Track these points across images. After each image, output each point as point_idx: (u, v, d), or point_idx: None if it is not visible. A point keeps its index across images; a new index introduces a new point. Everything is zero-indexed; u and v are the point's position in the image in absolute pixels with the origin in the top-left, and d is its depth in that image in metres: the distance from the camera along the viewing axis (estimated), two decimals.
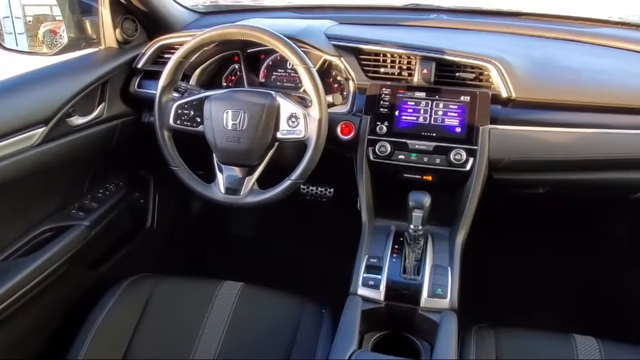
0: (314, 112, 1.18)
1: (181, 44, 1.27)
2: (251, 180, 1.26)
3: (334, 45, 1.38)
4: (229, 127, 1.21)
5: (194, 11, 1.74)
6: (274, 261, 1.96)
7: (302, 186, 1.84)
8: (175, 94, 1.32)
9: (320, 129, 1.18)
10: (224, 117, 1.22)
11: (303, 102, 1.28)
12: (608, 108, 1.23)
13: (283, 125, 1.22)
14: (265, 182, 1.28)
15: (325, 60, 1.40)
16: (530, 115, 1.25)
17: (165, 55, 1.49)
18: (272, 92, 1.24)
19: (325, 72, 1.45)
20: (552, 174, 1.31)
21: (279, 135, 1.23)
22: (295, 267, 1.90)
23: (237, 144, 1.22)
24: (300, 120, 1.20)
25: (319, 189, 1.93)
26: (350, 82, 1.38)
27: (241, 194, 1.26)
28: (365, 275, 1.18)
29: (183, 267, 1.99)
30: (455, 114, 1.26)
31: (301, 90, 1.35)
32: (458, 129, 1.25)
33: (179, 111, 1.27)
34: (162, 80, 1.25)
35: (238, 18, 1.60)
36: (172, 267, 1.91)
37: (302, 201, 1.96)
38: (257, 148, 1.23)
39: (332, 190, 1.92)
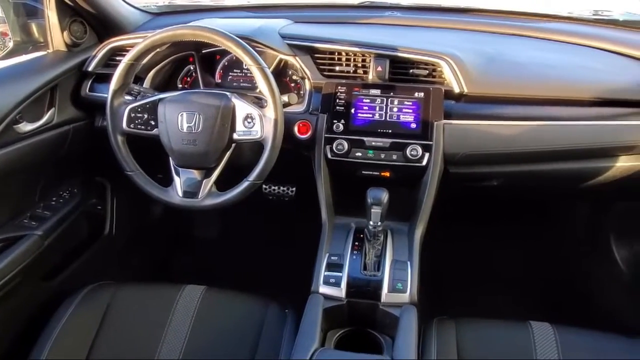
0: (270, 112, 1.18)
1: (132, 45, 1.24)
2: (209, 183, 1.24)
3: (289, 45, 1.38)
4: (184, 130, 1.20)
5: (147, 12, 1.71)
6: (238, 262, 1.95)
7: (264, 186, 1.84)
8: (128, 97, 1.29)
9: (276, 129, 1.18)
10: (179, 119, 1.20)
11: (259, 102, 1.28)
12: (556, 101, 1.27)
13: (239, 126, 1.22)
14: (224, 184, 1.27)
15: (280, 60, 1.39)
16: (482, 109, 1.28)
17: (117, 58, 1.45)
18: (228, 93, 1.23)
19: (282, 72, 1.44)
20: (505, 166, 1.34)
21: (235, 136, 1.22)
22: (260, 267, 1.89)
23: (193, 146, 1.21)
24: (256, 120, 1.20)
25: (281, 188, 1.92)
26: (306, 81, 1.38)
27: (199, 196, 1.24)
28: (326, 273, 1.19)
29: (145, 273, 1.95)
30: (410, 110, 1.28)
31: (257, 91, 1.35)
32: (413, 125, 1.27)
33: (132, 115, 1.24)
34: (113, 84, 1.23)
35: (192, 18, 1.57)
36: (134, 273, 1.88)
37: (265, 201, 1.95)
38: (213, 150, 1.21)
39: (294, 189, 1.92)
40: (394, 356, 1.00)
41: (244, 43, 1.18)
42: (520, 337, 1.17)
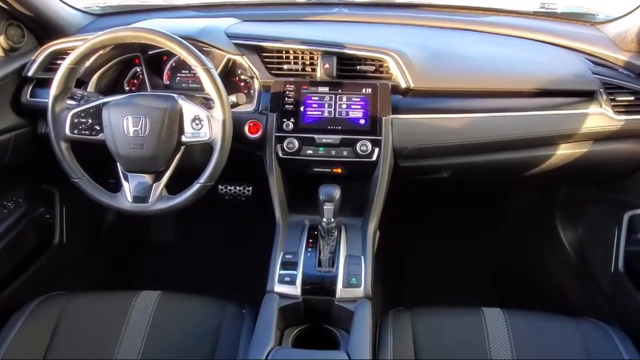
0: (217, 113, 1.17)
1: (74, 49, 1.20)
2: (159, 187, 1.23)
3: (236, 44, 1.37)
4: (131, 134, 1.18)
5: (89, 13, 1.66)
6: (197, 265, 1.93)
7: (220, 187, 1.82)
8: (70, 102, 1.26)
9: (225, 130, 1.17)
10: (124, 123, 1.17)
11: (208, 103, 1.26)
12: (499, 93, 1.31)
13: (187, 128, 1.20)
14: (176, 187, 1.25)
15: (229, 60, 1.38)
16: (429, 103, 1.31)
17: (58, 62, 1.41)
18: (174, 95, 1.22)
19: (230, 71, 1.43)
20: (453, 158, 1.37)
21: (184, 138, 1.21)
22: (218, 268, 1.88)
23: (141, 150, 1.18)
24: (204, 122, 1.19)
25: (237, 188, 1.91)
26: (255, 80, 1.38)
27: (150, 201, 1.22)
28: (280, 272, 1.19)
29: (100, 281, 1.90)
30: (359, 107, 1.29)
31: (205, 92, 1.33)
32: (362, 121, 1.29)
33: (75, 120, 1.21)
34: (54, 89, 1.19)
35: (137, 19, 1.54)
36: (90, 282, 1.83)
37: (222, 202, 1.93)
38: (162, 153, 1.20)
39: (250, 188, 1.91)
40: (348, 350, 1.01)
41: (188, 44, 1.16)
42: (472, 323, 1.21)
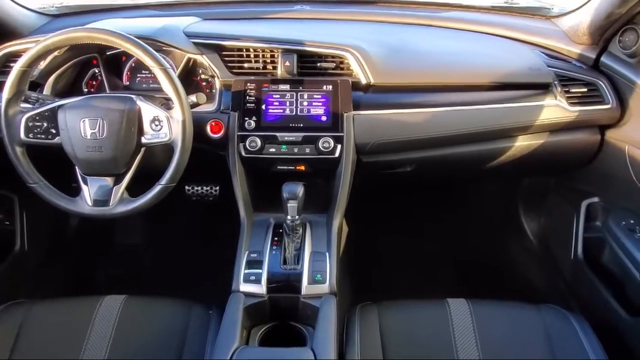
0: (177, 113, 1.16)
1: (27, 50, 1.17)
2: (120, 189, 1.21)
3: (195, 43, 1.36)
4: (88, 137, 1.15)
5: (44, 14, 1.62)
6: (164, 267, 1.91)
7: (186, 187, 1.80)
8: (25, 105, 1.22)
9: (185, 131, 1.16)
10: (81, 126, 1.15)
11: (168, 104, 1.25)
12: (457, 87, 1.34)
13: (147, 129, 1.19)
14: (139, 189, 1.23)
15: (189, 59, 1.37)
16: (389, 99, 1.32)
17: (11, 64, 1.36)
18: (133, 96, 1.20)
19: (191, 71, 1.42)
20: (415, 152, 1.39)
21: (143, 140, 1.19)
22: (186, 269, 1.86)
23: (99, 153, 1.16)
24: (164, 123, 1.17)
25: (204, 188, 1.89)
26: (216, 79, 1.37)
27: (110, 204, 1.20)
28: (246, 271, 1.19)
29: (64, 287, 1.86)
30: (320, 104, 1.30)
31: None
32: (324, 118, 1.29)
33: (30, 124, 1.18)
34: (6, 92, 1.16)
35: (95, 19, 1.52)
36: (51, 289, 1.79)
37: (189, 202, 1.92)
38: (121, 155, 1.18)
39: (217, 188, 1.90)
40: (313, 346, 1.02)
41: (143, 44, 1.14)
42: (438, 315, 1.23)
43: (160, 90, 1.43)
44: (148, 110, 1.18)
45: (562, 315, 1.23)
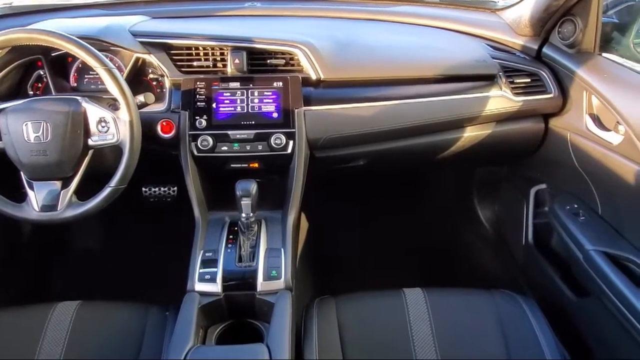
0: (123, 114, 1.14)
1: None
2: (68, 193, 1.18)
3: (142, 43, 1.34)
4: (32, 140, 1.12)
5: None
6: (122, 270, 1.87)
7: (143, 189, 1.77)
8: None
9: (133, 131, 1.14)
10: (24, 130, 1.12)
11: (115, 104, 1.23)
12: (405, 80, 1.36)
13: (94, 131, 1.16)
14: (90, 192, 1.21)
15: (138, 59, 1.35)
16: (340, 93, 1.34)
17: None
18: (78, 98, 1.17)
19: (140, 70, 1.40)
20: (367, 146, 1.41)
21: (90, 142, 1.17)
22: (145, 272, 1.83)
23: (44, 157, 1.13)
24: (111, 124, 1.15)
25: (162, 189, 1.86)
26: (165, 78, 1.35)
27: (59, 208, 1.17)
28: (201, 270, 1.18)
29: (17, 295, 1.81)
30: (271, 100, 1.30)
31: None
32: (275, 114, 1.29)
33: None
34: None
35: (39, 19, 1.48)
36: (3, 297, 1.73)
37: (146, 204, 1.89)
38: (67, 158, 1.15)
39: (175, 189, 1.87)
40: (268, 342, 1.02)
41: (86, 44, 1.12)
42: (394, 305, 1.25)
43: (107, 91, 1.42)
44: (94, 112, 1.16)
45: (513, 299, 1.27)
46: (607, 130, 1.25)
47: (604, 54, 1.37)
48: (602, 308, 1.19)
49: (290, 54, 1.34)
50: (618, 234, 1.25)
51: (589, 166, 1.32)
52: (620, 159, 1.19)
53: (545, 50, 1.44)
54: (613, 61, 1.33)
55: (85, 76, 1.45)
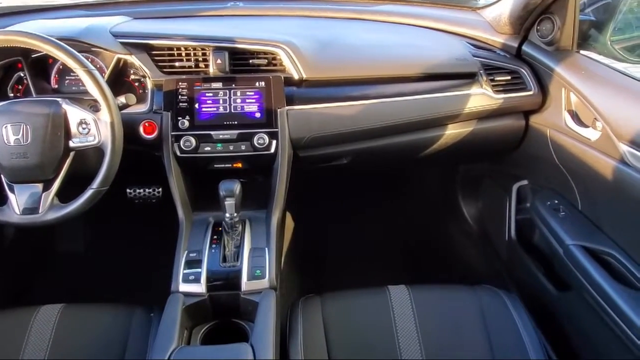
0: (104, 116, 1.14)
1: None
2: (50, 195, 1.17)
3: (123, 43, 1.33)
4: (12, 143, 1.11)
5: None
6: (107, 273, 1.86)
7: (128, 190, 1.76)
8: None
9: (114, 133, 1.14)
10: (3, 132, 1.11)
11: (96, 106, 1.22)
12: (387, 79, 1.37)
13: (75, 132, 1.16)
14: (72, 194, 1.20)
15: (119, 59, 1.34)
16: (323, 93, 1.34)
17: None
18: (59, 100, 1.17)
19: (122, 71, 1.39)
20: (350, 144, 1.41)
21: (71, 144, 1.16)
22: (130, 274, 1.82)
23: (25, 159, 1.13)
24: (92, 125, 1.15)
25: (147, 190, 1.85)
26: (147, 79, 1.35)
27: (40, 211, 1.17)
28: (185, 271, 1.18)
29: (4, 301, 1.79)
30: (253, 100, 1.30)
31: None
32: (258, 114, 1.30)
33: None
34: None
35: (19, 21, 1.47)
36: None
37: (132, 205, 1.88)
38: (48, 161, 1.14)
39: (160, 190, 1.87)
40: (252, 341, 1.02)
41: (65, 45, 1.12)
42: (379, 303, 1.26)
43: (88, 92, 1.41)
44: (74, 114, 1.15)
45: (496, 294, 1.29)
46: (586, 126, 1.27)
47: (582, 51, 1.39)
48: (583, 302, 1.21)
49: (273, 54, 1.34)
50: (597, 229, 1.27)
51: (568, 162, 1.34)
52: (598, 155, 1.21)
53: (524, 48, 1.46)
54: (590, 58, 1.36)
55: (67, 78, 1.44)
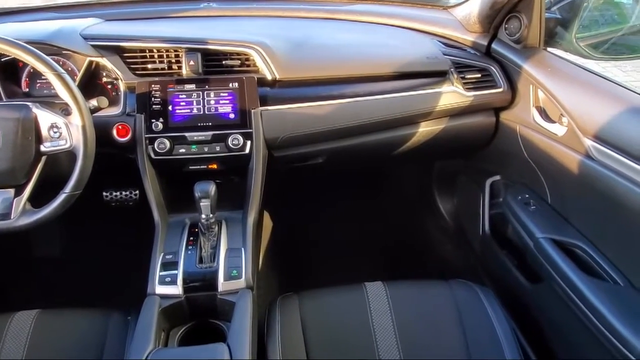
0: (76, 119, 1.13)
1: None
2: (21, 201, 1.16)
3: (94, 46, 1.33)
4: None
5: None
6: (83, 277, 1.85)
7: (104, 193, 1.75)
8: None
9: (86, 136, 1.13)
10: None
11: (67, 109, 1.21)
12: (360, 78, 1.38)
13: (46, 137, 1.15)
14: (45, 199, 1.19)
15: (91, 62, 1.34)
16: (296, 93, 1.35)
17: None
18: (28, 104, 1.15)
19: (95, 74, 1.38)
20: (324, 143, 1.42)
21: (43, 148, 1.15)
22: (105, 278, 1.81)
23: None
24: (63, 129, 1.14)
25: (124, 193, 1.84)
26: (120, 82, 1.34)
27: (12, 217, 1.15)
28: (161, 273, 1.18)
29: None
30: (227, 101, 1.30)
31: None
32: (232, 115, 1.30)
33: None
34: None
35: None
36: None
37: (108, 208, 1.87)
38: (19, 166, 1.13)
39: (137, 192, 1.86)
40: (229, 341, 1.03)
41: (33, 49, 1.10)
42: (356, 300, 1.28)
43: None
44: (45, 118, 1.14)
45: (470, 289, 1.31)
46: (553, 122, 1.30)
47: (549, 49, 1.42)
48: (553, 293, 1.24)
49: (246, 55, 1.35)
50: (566, 222, 1.31)
51: (537, 157, 1.37)
52: (565, 150, 1.24)
53: (494, 46, 1.49)
54: (557, 56, 1.39)
55: (37, 81, 1.43)
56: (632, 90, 1.16)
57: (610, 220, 1.16)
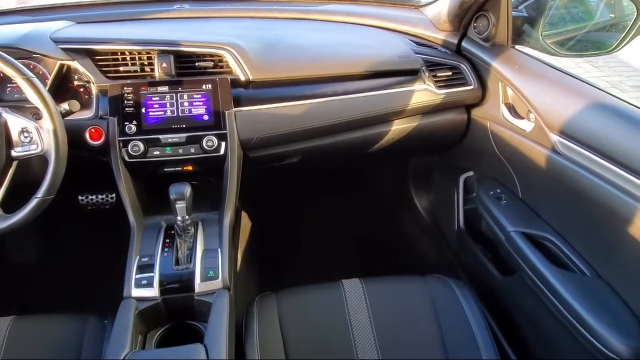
0: (46, 123, 1.12)
1: None
2: None
3: (64, 49, 1.32)
4: None
5: None
6: (59, 281, 1.83)
7: (80, 197, 1.73)
8: None
9: (57, 140, 1.12)
10: None
11: (38, 114, 1.20)
12: (332, 78, 1.39)
13: (17, 141, 1.14)
14: (18, 204, 1.18)
15: (62, 65, 1.33)
16: (270, 93, 1.36)
17: None
18: None
19: (66, 77, 1.37)
20: (299, 143, 1.44)
21: (14, 153, 1.14)
22: (81, 282, 1.80)
23: None
24: (34, 134, 1.13)
25: (99, 196, 1.82)
26: (92, 85, 1.33)
27: None
28: (137, 276, 1.18)
29: None
30: (201, 103, 1.31)
31: None
32: (206, 117, 1.30)
33: None
34: None
35: None
36: None
37: (84, 213, 1.85)
38: None
39: (113, 195, 1.84)
40: (205, 341, 1.04)
41: (1, 53, 1.09)
42: (334, 297, 1.30)
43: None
44: (15, 122, 1.13)
45: (445, 283, 1.34)
46: (521, 118, 1.34)
47: (517, 46, 1.45)
48: (525, 285, 1.27)
49: (219, 56, 1.35)
50: (536, 215, 1.34)
51: (507, 153, 1.40)
52: (533, 145, 1.27)
53: (464, 44, 1.51)
54: (524, 53, 1.42)
55: (8, 85, 1.41)
56: (595, 87, 1.19)
57: (576, 212, 1.19)
